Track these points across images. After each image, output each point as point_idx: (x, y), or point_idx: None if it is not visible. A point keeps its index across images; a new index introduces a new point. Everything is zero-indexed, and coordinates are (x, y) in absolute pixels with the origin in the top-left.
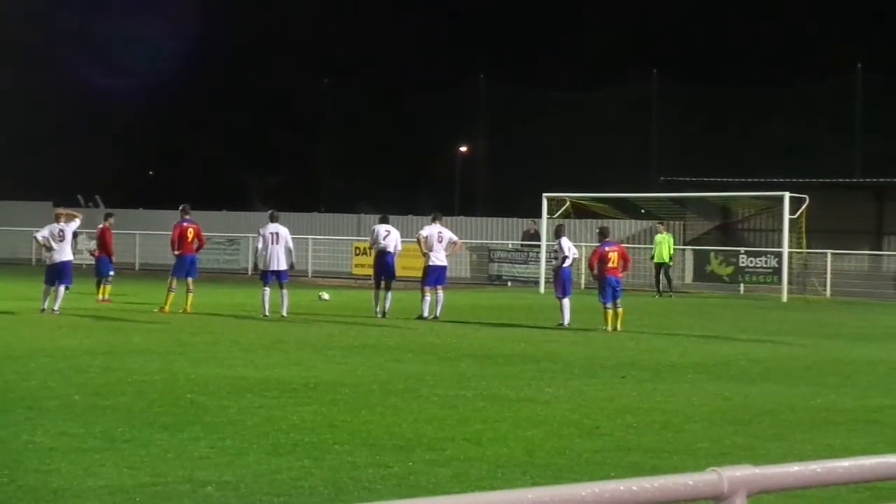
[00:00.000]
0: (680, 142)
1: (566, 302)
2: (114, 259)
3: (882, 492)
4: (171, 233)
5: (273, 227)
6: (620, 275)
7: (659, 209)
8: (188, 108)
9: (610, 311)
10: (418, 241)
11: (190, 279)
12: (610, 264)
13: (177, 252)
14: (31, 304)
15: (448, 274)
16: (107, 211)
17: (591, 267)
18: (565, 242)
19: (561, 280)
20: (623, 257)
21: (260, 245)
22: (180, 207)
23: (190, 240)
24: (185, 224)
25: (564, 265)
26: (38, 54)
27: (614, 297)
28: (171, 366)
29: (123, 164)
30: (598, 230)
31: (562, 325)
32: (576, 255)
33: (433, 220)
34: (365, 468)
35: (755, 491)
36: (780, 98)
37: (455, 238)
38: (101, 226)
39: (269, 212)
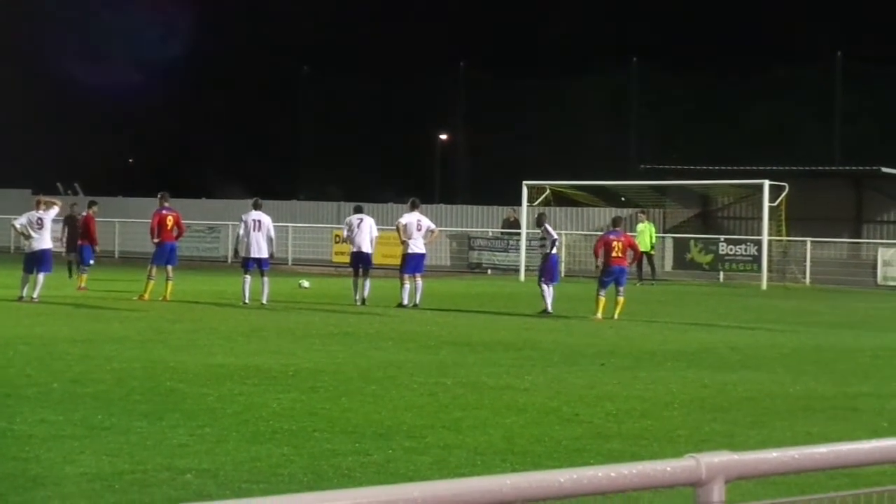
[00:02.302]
0: (660, 130)
1: (551, 289)
2: (97, 248)
3: (860, 478)
4: (150, 221)
5: (256, 215)
6: (626, 264)
7: (639, 197)
8: (167, 96)
9: (602, 300)
10: (397, 229)
11: (169, 267)
12: (614, 253)
13: (156, 240)
14: (9, 291)
15: (427, 262)
16: (90, 199)
17: (595, 254)
18: (550, 228)
19: (549, 267)
20: (630, 247)
21: (241, 231)
22: (159, 195)
23: (169, 227)
24: (164, 212)
25: (553, 251)
26: (16, 42)
27: (617, 286)
28: (150, 353)
29: (103, 152)
30: (612, 218)
31: (545, 311)
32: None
33: (412, 208)
34: (345, 456)
35: (733, 477)
36: (759, 86)
37: (433, 226)
38: (84, 213)
39: (253, 199)
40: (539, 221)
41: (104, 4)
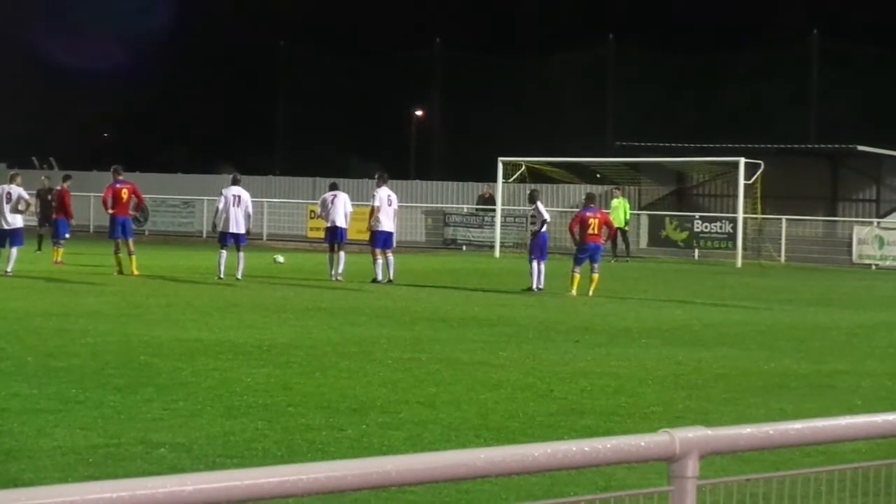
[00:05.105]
0: (636, 107)
1: (542, 266)
2: (73, 221)
3: (835, 455)
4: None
5: (236, 190)
6: (601, 241)
7: (614, 174)
8: (143, 71)
9: (577, 276)
10: (372, 211)
11: (130, 240)
12: (590, 230)
13: (110, 211)
14: None
15: (396, 237)
16: (65, 173)
17: (571, 231)
18: (542, 206)
19: (539, 244)
20: (606, 224)
21: (221, 205)
22: (112, 168)
23: (125, 200)
24: (117, 185)
25: (543, 229)
26: None
27: (592, 263)
28: (124, 328)
29: (78, 127)
30: (584, 195)
31: (531, 288)
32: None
33: (381, 182)
34: (319, 430)
35: (707, 452)
36: (736, 63)
37: (396, 204)
38: (58, 188)
39: (232, 174)
40: (531, 198)
41: None
